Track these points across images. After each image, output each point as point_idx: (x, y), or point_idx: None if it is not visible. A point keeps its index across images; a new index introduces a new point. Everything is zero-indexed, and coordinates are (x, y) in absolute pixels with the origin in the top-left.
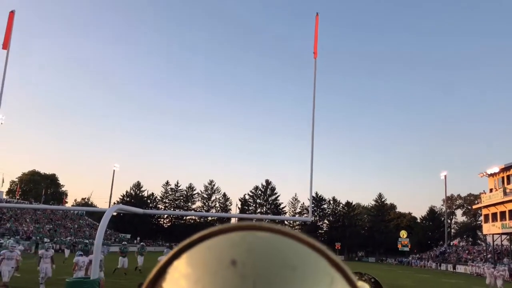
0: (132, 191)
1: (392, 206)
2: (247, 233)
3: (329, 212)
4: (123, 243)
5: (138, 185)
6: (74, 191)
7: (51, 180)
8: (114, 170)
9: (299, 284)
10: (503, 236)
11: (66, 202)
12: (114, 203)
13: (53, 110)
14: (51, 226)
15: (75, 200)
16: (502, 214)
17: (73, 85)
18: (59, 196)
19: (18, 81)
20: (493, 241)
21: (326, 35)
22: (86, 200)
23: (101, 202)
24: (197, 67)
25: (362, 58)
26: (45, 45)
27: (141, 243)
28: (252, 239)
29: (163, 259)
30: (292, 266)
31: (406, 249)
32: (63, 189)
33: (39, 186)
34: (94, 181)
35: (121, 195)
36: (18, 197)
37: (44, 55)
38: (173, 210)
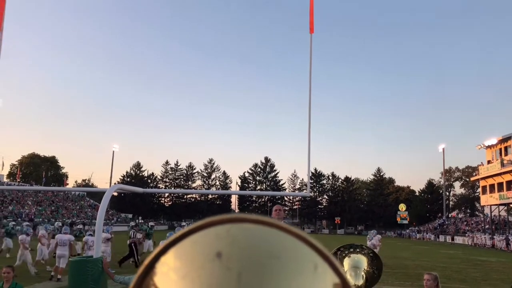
0: (132, 171)
1: (391, 180)
2: (232, 225)
3: (328, 188)
4: (141, 221)
5: (138, 165)
6: (75, 173)
7: (51, 163)
8: (113, 151)
9: (283, 272)
10: (501, 207)
11: (67, 184)
12: (115, 183)
13: (51, 92)
14: (52, 208)
15: (76, 182)
16: (500, 185)
17: (71, 65)
18: (60, 178)
19: (15, 63)
20: (491, 212)
21: (322, 2)
22: (86, 181)
23: (101, 183)
24: (193, 46)
25: (358, 30)
26: (41, 25)
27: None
28: (236, 231)
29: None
30: (276, 255)
31: (405, 222)
32: (63, 171)
33: (40, 169)
34: (94, 162)
35: (121, 176)
36: (18, 180)
37: (40, 35)
38: (174, 189)
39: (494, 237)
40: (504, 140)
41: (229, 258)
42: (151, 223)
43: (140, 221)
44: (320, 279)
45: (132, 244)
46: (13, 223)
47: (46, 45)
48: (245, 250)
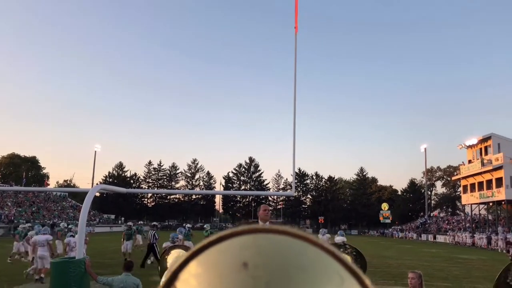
0: (114, 171)
1: (374, 180)
2: (258, 235)
3: (312, 187)
4: (139, 222)
5: (120, 166)
6: (56, 173)
7: (32, 163)
8: (95, 151)
9: (310, 284)
10: (481, 206)
11: (48, 184)
12: (97, 184)
13: (31, 91)
14: (33, 209)
15: (57, 182)
16: (480, 184)
17: (51, 65)
18: (41, 178)
19: None
20: (471, 211)
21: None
22: (68, 182)
23: (83, 183)
24: (175, 47)
25: (342, 32)
26: (21, 23)
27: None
28: (263, 241)
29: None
30: (303, 267)
31: (388, 221)
32: (44, 171)
33: (20, 169)
34: (75, 162)
35: (103, 176)
36: None
37: (20, 34)
38: (157, 189)
39: (475, 235)
40: (484, 140)
41: (256, 268)
42: (155, 223)
43: (127, 222)
44: None
45: (154, 245)
46: (24, 225)
47: (26, 44)
48: (271, 261)
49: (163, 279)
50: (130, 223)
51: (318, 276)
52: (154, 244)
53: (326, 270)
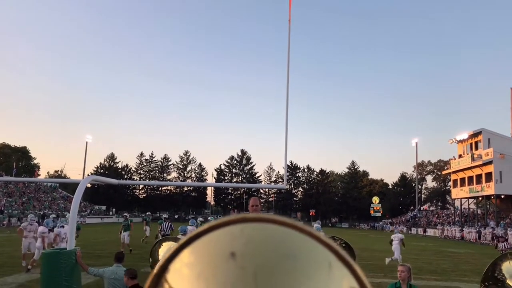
0: (106, 162)
1: (365, 173)
2: (246, 225)
3: (303, 180)
4: (147, 213)
5: (112, 157)
6: (47, 164)
7: (23, 153)
8: (86, 142)
9: (299, 271)
10: (470, 200)
11: (39, 175)
12: (88, 175)
13: (22, 80)
14: (24, 200)
15: (48, 173)
16: (470, 179)
17: (42, 53)
18: (31, 169)
19: None
20: (461, 205)
21: None
22: (59, 172)
23: (74, 174)
24: (168, 38)
25: (336, 23)
26: (11, 12)
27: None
28: (250, 231)
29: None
30: (291, 254)
31: (378, 214)
32: (35, 161)
33: (10, 159)
34: (66, 153)
35: (94, 167)
36: None
37: (9, 21)
38: (149, 181)
39: (464, 229)
40: (475, 135)
41: (244, 258)
42: (164, 215)
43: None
44: (335, 278)
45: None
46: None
47: (15, 32)
48: (259, 250)
49: (154, 270)
50: (126, 214)
51: (306, 263)
52: (167, 235)
53: (315, 257)
